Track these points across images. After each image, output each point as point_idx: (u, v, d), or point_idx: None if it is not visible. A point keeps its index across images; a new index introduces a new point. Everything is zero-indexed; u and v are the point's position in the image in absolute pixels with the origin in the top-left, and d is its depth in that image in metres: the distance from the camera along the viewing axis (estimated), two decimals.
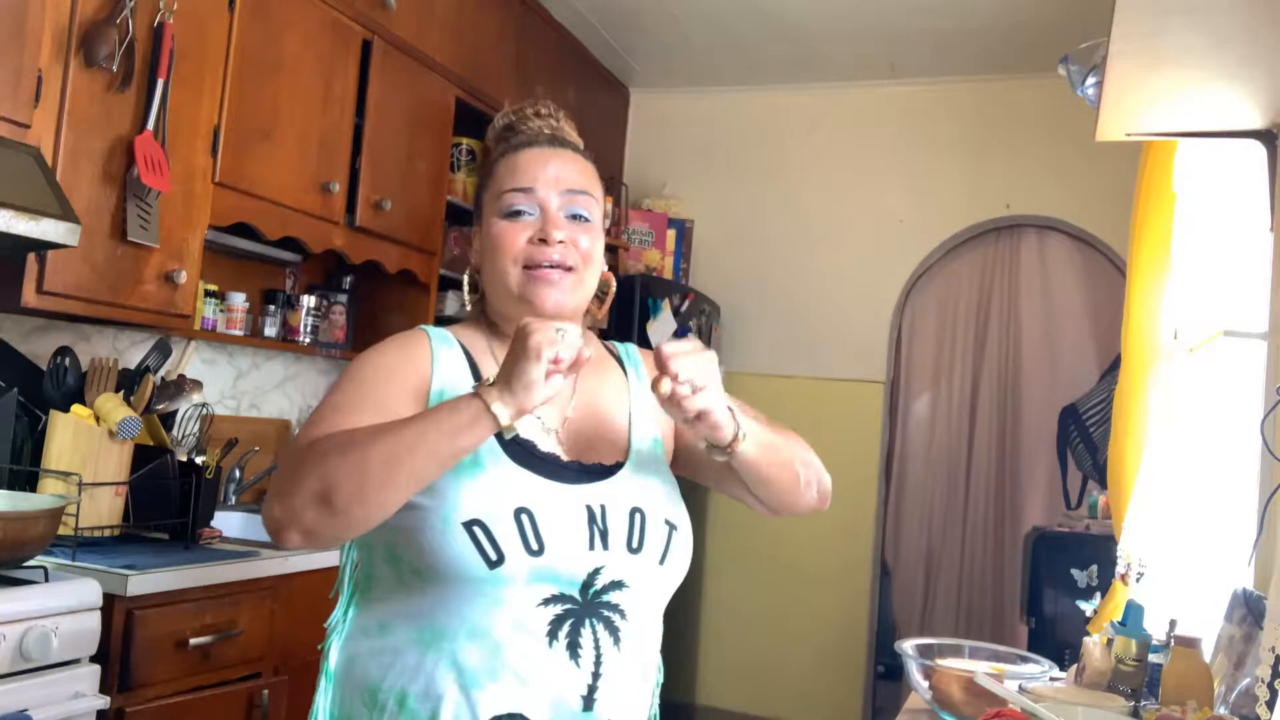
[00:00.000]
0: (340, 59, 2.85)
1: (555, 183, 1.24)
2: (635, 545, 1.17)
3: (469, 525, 1.09)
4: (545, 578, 1.11)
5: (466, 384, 1.19)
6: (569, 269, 1.22)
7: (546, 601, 1.11)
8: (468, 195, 3.54)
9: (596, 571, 1.14)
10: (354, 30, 2.90)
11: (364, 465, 1.02)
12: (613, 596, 1.15)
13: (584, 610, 1.13)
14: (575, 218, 1.25)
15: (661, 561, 1.19)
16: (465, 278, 1.31)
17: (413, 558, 1.13)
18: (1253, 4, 1.37)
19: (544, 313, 1.20)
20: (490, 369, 1.22)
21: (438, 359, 1.21)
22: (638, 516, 1.18)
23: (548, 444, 1.21)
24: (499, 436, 1.10)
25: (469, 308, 1.31)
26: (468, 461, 1.12)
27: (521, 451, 1.17)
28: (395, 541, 1.15)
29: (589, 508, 1.16)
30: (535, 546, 1.10)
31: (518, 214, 1.23)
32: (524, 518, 1.11)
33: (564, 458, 1.20)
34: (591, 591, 1.14)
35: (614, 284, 1.34)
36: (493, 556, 1.09)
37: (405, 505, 1.09)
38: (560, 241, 1.22)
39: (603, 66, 4.46)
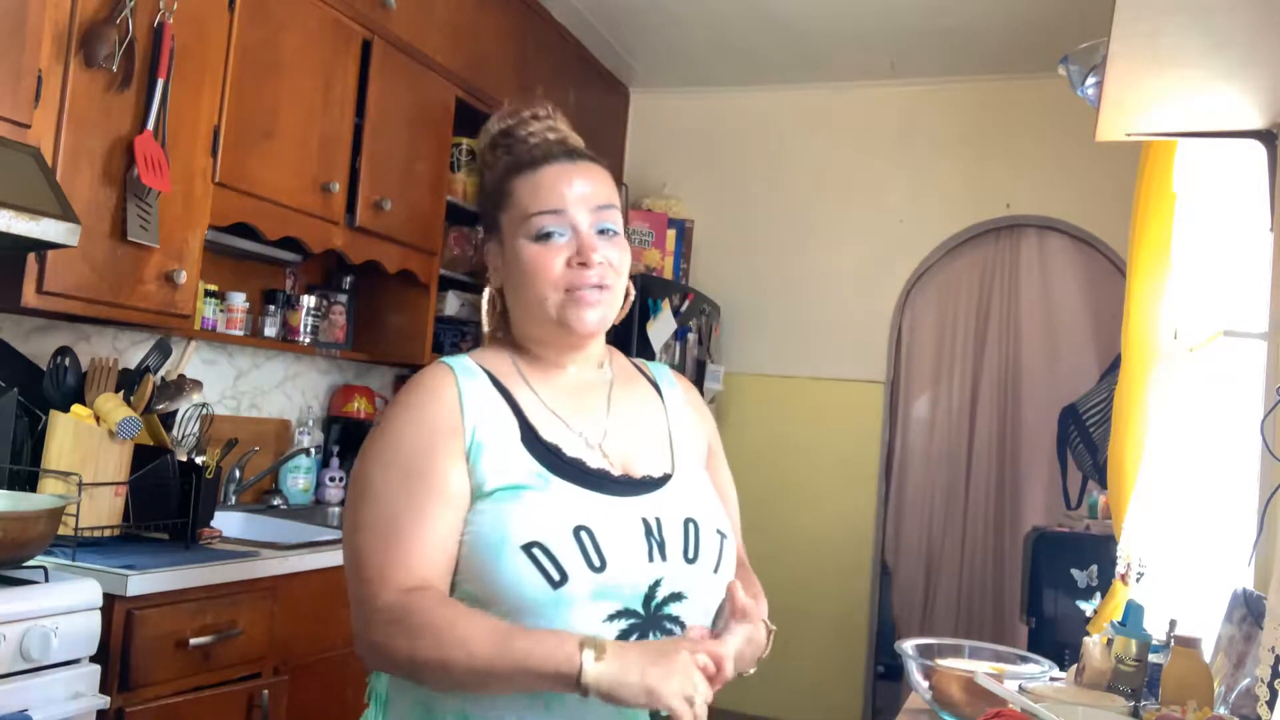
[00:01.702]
0: (340, 59, 2.85)
1: (584, 201, 1.22)
2: (691, 555, 1.17)
3: (528, 548, 1.08)
4: (609, 594, 1.10)
5: (499, 416, 1.18)
6: (606, 287, 1.22)
7: (611, 618, 1.11)
8: (468, 195, 3.54)
9: (657, 583, 1.14)
10: (354, 30, 2.90)
11: (449, 673, 1.04)
12: (673, 608, 1.15)
13: (648, 624, 1.13)
14: (604, 232, 1.23)
15: (715, 570, 1.19)
16: (484, 300, 1.29)
17: (471, 586, 1.12)
18: (1253, 4, 1.37)
19: (585, 334, 1.22)
20: (521, 391, 1.22)
21: (466, 400, 1.18)
22: (691, 526, 1.19)
23: (595, 459, 1.20)
24: (550, 458, 1.16)
25: (487, 329, 1.30)
26: (517, 485, 1.13)
27: (572, 470, 1.17)
28: (453, 576, 1.14)
29: (645, 520, 1.16)
30: (597, 563, 1.10)
31: (548, 236, 1.21)
32: (583, 535, 1.10)
33: (614, 472, 1.20)
34: (654, 604, 1.13)
35: (633, 290, 1.31)
36: (555, 577, 1.08)
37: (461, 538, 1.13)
38: (599, 263, 1.21)
39: (603, 66, 4.46)
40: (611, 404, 1.27)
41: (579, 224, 1.21)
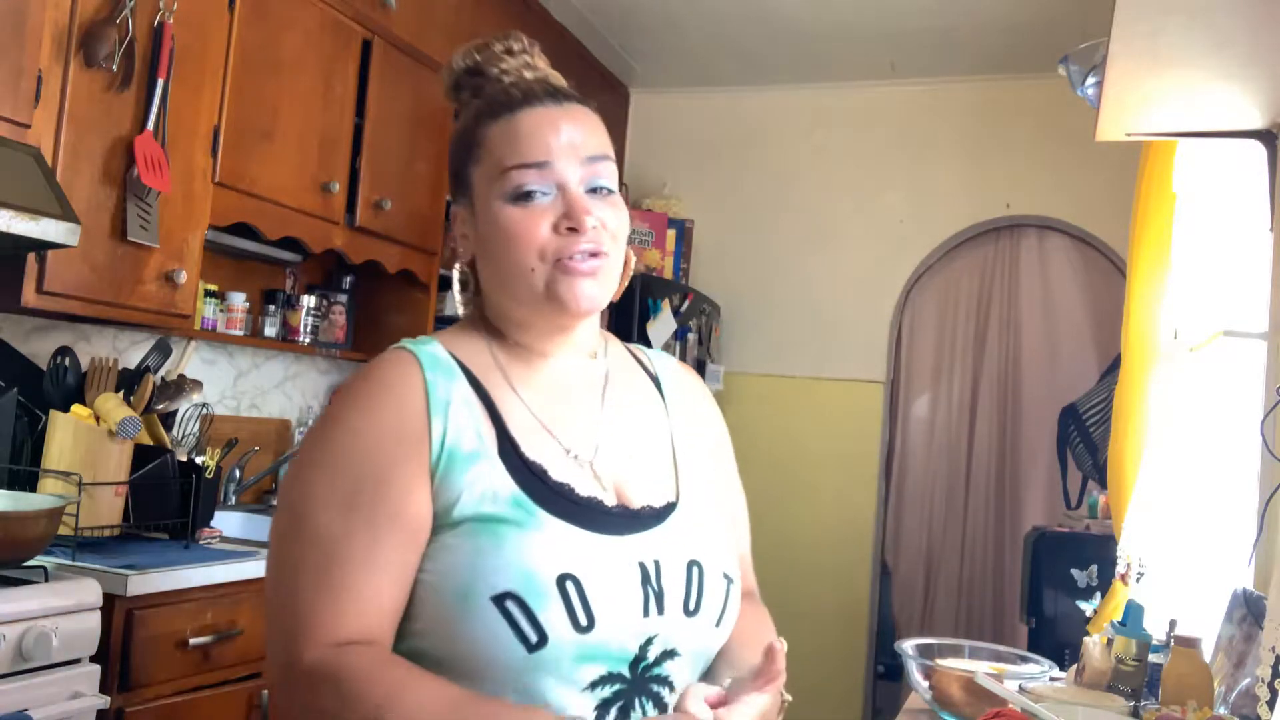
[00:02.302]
0: (340, 59, 2.85)
1: (573, 151, 1.00)
2: (692, 607, 0.97)
3: (501, 600, 0.88)
4: (594, 656, 0.91)
5: (475, 422, 0.97)
6: (603, 255, 1.00)
7: (593, 685, 0.91)
8: None
9: (649, 642, 0.94)
10: (354, 30, 2.90)
11: None
12: (664, 668, 0.96)
13: (634, 689, 0.94)
14: (597, 190, 1.01)
15: (718, 623, 1.00)
16: (455, 275, 1.07)
17: (425, 639, 0.92)
18: (1253, 4, 1.37)
19: (578, 312, 1.00)
20: (500, 391, 1.01)
21: (434, 399, 0.96)
22: (695, 571, 0.98)
23: (586, 484, 0.98)
24: (534, 482, 0.95)
25: (462, 310, 1.07)
26: (491, 517, 0.92)
27: (559, 499, 0.95)
28: (404, 624, 0.94)
29: (642, 565, 0.95)
30: (584, 621, 0.89)
31: (529, 196, 0.99)
32: (569, 586, 0.89)
33: (608, 502, 0.98)
34: (643, 666, 0.94)
35: (633, 260, 1.08)
36: (533, 638, 0.88)
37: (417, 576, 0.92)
38: (593, 227, 0.99)
39: (603, 66, 4.46)
40: (605, 407, 1.06)
41: (567, 180, 0.99)
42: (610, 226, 1.01)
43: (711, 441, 1.16)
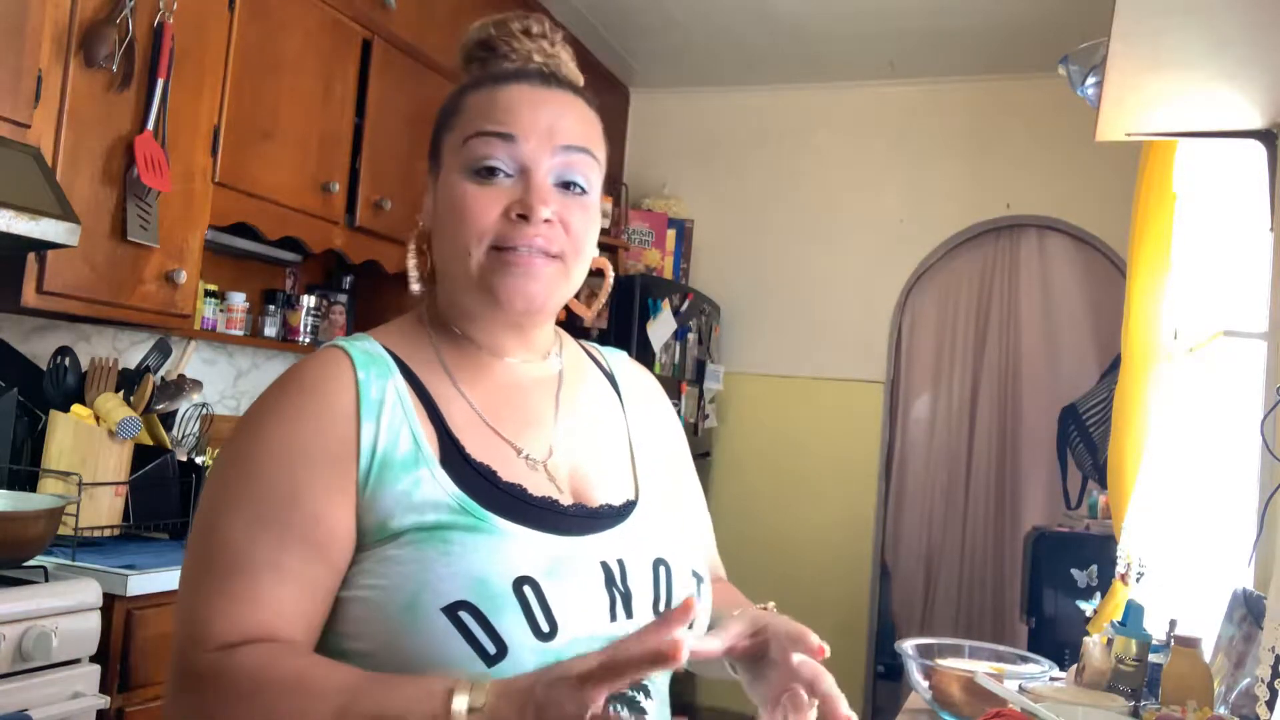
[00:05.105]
0: (340, 59, 2.85)
1: (547, 136, 0.91)
2: (663, 608, 0.91)
3: (453, 610, 0.80)
4: None
5: (412, 425, 0.88)
6: (554, 256, 0.91)
7: None
8: None
9: None
10: (354, 30, 2.90)
11: None
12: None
13: (608, 698, 0.87)
14: (568, 186, 0.92)
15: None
16: (411, 248, 0.97)
17: (372, 664, 0.82)
18: (1253, 4, 1.37)
19: (511, 311, 0.91)
20: (443, 390, 0.92)
21: (365, 401, 0.87)
22: (662, 570, 0.92)
23: (540, 484, 0.91)
24: (481, 484, 0.87)
25: (416, 287, 0.98)
26: (436, 524, 0.84)
27: (511, 500, 0.88)
28: (344, 644, 0.84)
29: (605, 565, 0.88)
30: (545, 627, 0.82)
31: (491, 172, 0.90)
32: (527, 590, 0.82)
33: (563, 501, 0.91)
34: None
35: (610, 277, 1.01)
36: (491, 650, 0.80)
37: (355, 593, 0.84)
38: (546, 220, 0.89)
39: (603, 66, 4.46)
40: (560, 408, 0.98)
41: (532, 162, 0.90)
42: (574, 229, 0.91)
43: (671, 439, 1.10)
